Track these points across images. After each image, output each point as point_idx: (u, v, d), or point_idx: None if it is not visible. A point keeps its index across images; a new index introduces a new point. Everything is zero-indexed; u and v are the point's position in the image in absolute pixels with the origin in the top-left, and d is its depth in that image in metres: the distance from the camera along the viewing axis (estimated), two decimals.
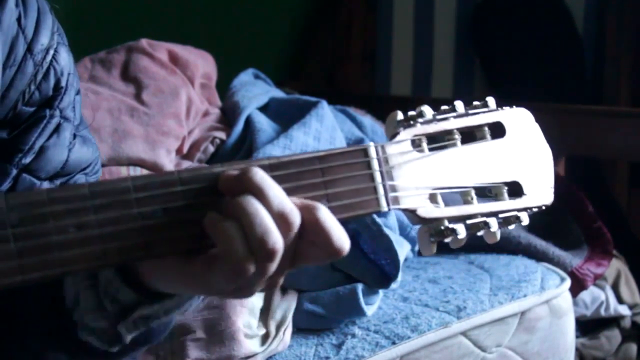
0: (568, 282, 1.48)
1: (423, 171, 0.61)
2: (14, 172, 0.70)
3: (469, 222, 0.63)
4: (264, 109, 1.56)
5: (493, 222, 0.63)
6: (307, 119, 1.44)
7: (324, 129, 1.44)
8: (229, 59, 1.81)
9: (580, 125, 2.04)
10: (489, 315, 1.32)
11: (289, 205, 0.53)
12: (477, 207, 0.63)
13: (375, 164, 0.59)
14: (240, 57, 2.10)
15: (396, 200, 0.59)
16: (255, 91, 1.60)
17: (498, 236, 0.64)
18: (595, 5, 2.46)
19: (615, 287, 1.84)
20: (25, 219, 0.50)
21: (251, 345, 1.11)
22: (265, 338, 1.14)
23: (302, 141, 1.39)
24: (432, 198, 0.61)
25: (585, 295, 1.76)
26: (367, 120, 1.62)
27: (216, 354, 1.08)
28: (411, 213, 0.61)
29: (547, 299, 1.41)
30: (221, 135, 1.46)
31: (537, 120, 0.69)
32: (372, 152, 0.59)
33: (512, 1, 2.51)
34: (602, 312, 1.82)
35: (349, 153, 0.59)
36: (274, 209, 0.52)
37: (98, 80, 1.42)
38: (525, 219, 0.65)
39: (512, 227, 0.65)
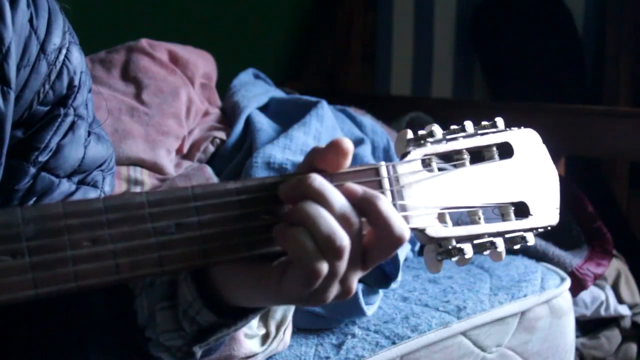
0: (568, 282, 1.48)
1: (432, 190, 0.62)
2: (32, 170, 0.71)
3: (476, 241, 0.64)
4: (264, 109, 1.56)
5: (500, 242, 0.64)
6: (307, 119, 1.44)
7: (324, 129, 1.44)
8: (229, 59, 1.81)
9: (580, 125, 2.04)
10: (489, 315, 1.32)
11: (349, 207, 0.56)
12: (485, 227, 0.64)
13: (386, 183, 0.60)
14: (240, 57, 2.11)
15: (406, 219, 0.60)
16: (255, 91, 1.60)
17: (504, 256, 0.65)
18: (595, 5, 2.46)
19: (615, 287, 1.84)
20: (40, 232, 0.50)
21: (251, 345, 1.11)
22: (265, 338, 1.14)
23: (302, 141, 1.39)
24: (441, 217, 0.62)
25: (585, 295, 1.76)
26: (367, 120, 1.62)
27: (216, 354, 1.08)
28: (420, 232, 0.62)
29: (547, 299, 1.41)
30: (221, 135, 1.46)
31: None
32: (384, 171, 0.60)
33: (512, 1, 2.51)
34: (602, 312, 1.82)
35: (360, 172, 0.60)
36: (336, 211, 0.55)
37: (98, 80, 1.42)
38: (531, 239, 0.66)
39: (517, 247, 0.66)
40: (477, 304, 1.32)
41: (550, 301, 1.42)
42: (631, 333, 1.90)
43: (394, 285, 1.29)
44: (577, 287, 1.60)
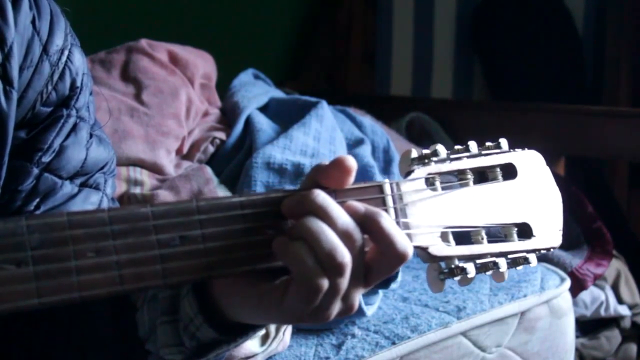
0: (568, 282, 1.48)
1: (436, 209, 0.62)
2: (35, 171, 0.71)
3: (478, 261, 0.64)
4: (263, 109, 1.56)
5: (502, 263, 0.65)
6: (307, 119, 1.44)
7: (324, 129, 1.44)
8: (229, 59, 1.81)
9: (580, 125, 2.04)
10: (488, 315, 1.32)
11: (352, 223, 0.56)
12: (487, 247, 0.64)
13: (389, 201, 0.61)
14: (240, 57, 2.11)
15: (409, 237, 0.60)
16: (255, 91, 1.60)
17: (506, 276, 0.65)
18: (595, 5, 2.47)
19: (615, 287, 1.84)
20: (45, 241, 0.50)
21: (251, 345, 1.11)
22: (265, 338, 1.14)
23: (302, 141, 1.39)
24: (444, 236, 0.62)
25: (585, 296, 1.76)
26: (366, 120, 1.62)
27: None
28: (423, 251, 0.62)
29: (547, 299, 1.41)
30: (221, 135, 1.46)
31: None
32: (387, 188, 0.61)
33: (512, 1, 2.51)
34: (602, 312, 1.82)
35: (364, 189, 0.60)
36: (338, 227, 0.55)
37: (98, 81, 1.42)
38: (533, 261, 0.66)
39: (520, 268, 0.66)
40: (477, 304, 1.32)
41: (550, 301, 1.42)
42: (631, 333, 1.90)
43: (393, 286, 1.29)
44: (577, 287, 1.60)
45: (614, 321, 1.87)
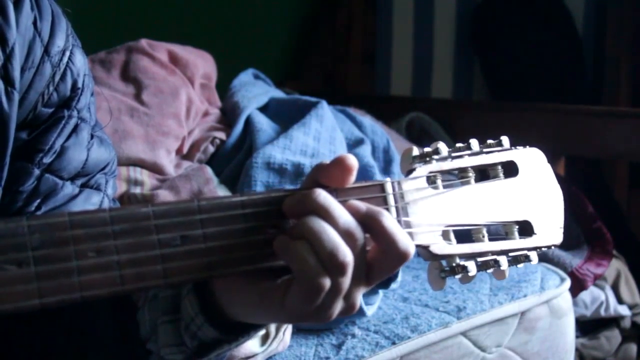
0: (568, 282, 1.48)
1: (437, 208, 0.62)
2: (37, 172, 0.71)
3: (479, 259, 0.64)
4: (263, 109, 1.56)
5: (503, 261, 0.65)
6: (307, 119, 1.44)
7: (324, 129, 1.44)
8: (229, 59, 1.81)
9: (580, 125, 2.04)
10: (488, 315, 1.32)
11: (353, 222, 0.56)
12: (488, 245, 0.64)
13: (391, 200, 0.61)
14: (240, 57, 2.11)
15: (410, 236, 0.60)
16: (255, 91, 1.60)
17: (507, 274, 0.65)
18: (595, 5, 2.46)
19: (615, 287, 1.84)
20: (46, 241, 0.50)
21: (251, 345, 1.11)
22: (265, 338, 1.14)
23: (302, 141, 1.39)
24: (445, 235, 0.62)
25: (585, 296, 1.77)
26: (366, 120, 1.62)
27: None
28: (424, 249, 0.62)
29: (547, 299, 1.41)
30: (221, 135, 1.46)
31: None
32: (389, 187, 0.61)
33: (512, 1, 2.51)
34: (602, 312, 1.82)
35: (365, 188, 0.60)
36: (340, 226, 0.55)
37: (98, 81, 1.42)
38: (534, 258, 0.66)
39: (521, 265, 0.66)
40: (477, 304, 1.32)
41: (550, 301, 1.42)
42: (631, 333, 1.90)
43: (394, 286, 1.29)
44: (577, 287, 1.60)
45: (614, 321, 1.87)
